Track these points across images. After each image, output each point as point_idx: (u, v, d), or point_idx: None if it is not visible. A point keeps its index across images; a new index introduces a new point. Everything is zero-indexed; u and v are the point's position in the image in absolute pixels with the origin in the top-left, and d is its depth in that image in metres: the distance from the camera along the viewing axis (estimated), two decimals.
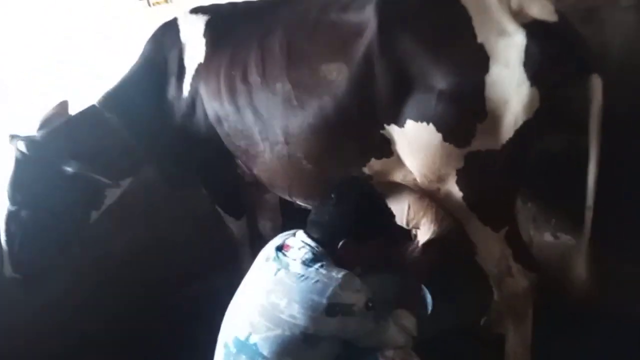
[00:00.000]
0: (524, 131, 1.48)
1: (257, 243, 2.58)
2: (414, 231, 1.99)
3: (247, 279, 1.65)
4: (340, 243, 1.57)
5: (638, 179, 1.86)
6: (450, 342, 2.20)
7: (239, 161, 2.08)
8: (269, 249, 1.67)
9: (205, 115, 2.02)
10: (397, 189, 1.81)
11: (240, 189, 2.28)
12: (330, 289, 1.46)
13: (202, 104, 2.02)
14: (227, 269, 2.57)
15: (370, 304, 1.50)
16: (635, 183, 1.87)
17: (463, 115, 1.50)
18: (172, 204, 2.68)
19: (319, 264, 1.53)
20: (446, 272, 2.05)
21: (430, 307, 2.01)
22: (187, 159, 2.20)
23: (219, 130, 2.00)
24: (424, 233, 1.89)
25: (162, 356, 2.29)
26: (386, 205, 1.67)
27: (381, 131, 1.64)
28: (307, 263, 1.53)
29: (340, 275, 1.49)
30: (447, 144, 1.53)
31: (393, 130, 1.62)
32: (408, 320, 1.70)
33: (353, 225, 1.57)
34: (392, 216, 1.69)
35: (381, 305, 1.74)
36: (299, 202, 2.01)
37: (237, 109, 1.87)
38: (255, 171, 1.99)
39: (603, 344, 2.01)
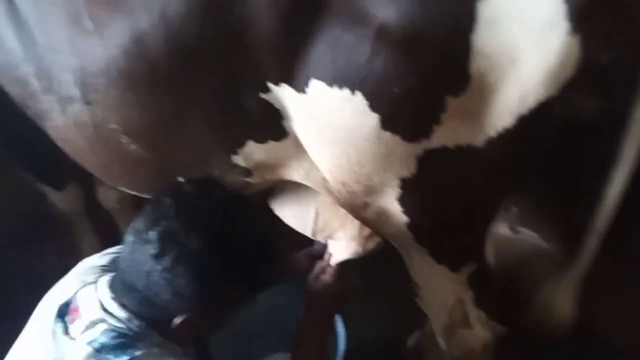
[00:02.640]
0: (533, 119, 0.76)
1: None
2: (322, 238, 1.28)
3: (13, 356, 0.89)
4: (177, 320, 0.84)
5: None
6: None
7: None
8: (49, 303, 0.90)
9: None
10: (296, 183, 1.06)
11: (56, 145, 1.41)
12: None
13: None
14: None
15: None
16: None
17: (423, 81, 0.74)
18: None
19: (127, 356, 0.79)
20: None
21: (343, 347, 1.39)
22: None
23: None
24: (339, 249, 1.19)
25: None
26: (270, 228, 0.93)
27: (261, 94, 0.84)
28: (101, 354, 0.79)
29: None
30: (387, 133, 0.78)
31: (284, 94, 0.83)
32: None
33: (202, 295, 0.82)
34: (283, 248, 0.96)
35: None
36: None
37: None
38: (52, 138, 1.13)
39: None
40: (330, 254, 1.24)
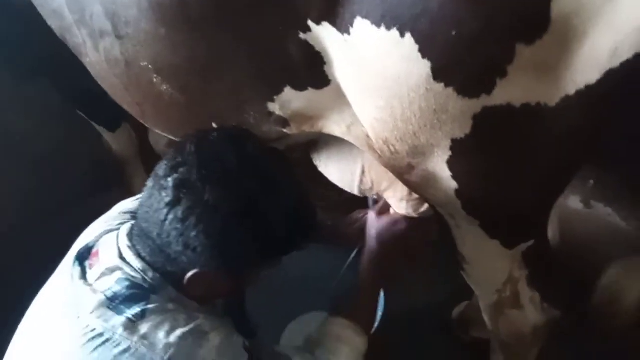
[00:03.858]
0: (625, 76, 0.62)
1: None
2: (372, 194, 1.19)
3: (37, 301, 0.89)
4: (188, 275, 0.80)
5: None
6: (407, 334, 1.57)
7: None
8: (77, 246, 0.89)
9: None
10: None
11: None
12: None
13: None
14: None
15: None
16: None
17: (488, 24, 0.61)
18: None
19: (139, 307, 0.76)
20: None
21: (381, 312, 1.32)
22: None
23: None
24: (393, 204, 1.10)
25: None
26: (302, 199, 0.85)
27: (301, 35, 0.74)
28: (114, 304, 0.76)
29: (173, 338, 0.74)
30: (439, 85, 0.66)
31: (326, 34, 0.72)
32: (345, 353, 0.96)
33: (214, 251, 0.77)
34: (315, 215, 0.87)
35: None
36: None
37: None
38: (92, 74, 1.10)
39: None
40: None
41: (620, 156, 1.35)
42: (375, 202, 1.24)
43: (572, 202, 1.50)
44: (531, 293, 0.99)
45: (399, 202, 1.03)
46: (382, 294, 1.35)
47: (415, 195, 1.01)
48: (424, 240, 1.12)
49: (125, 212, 0.95)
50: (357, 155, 1.03)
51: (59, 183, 1.82)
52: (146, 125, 1.09)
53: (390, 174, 1.01)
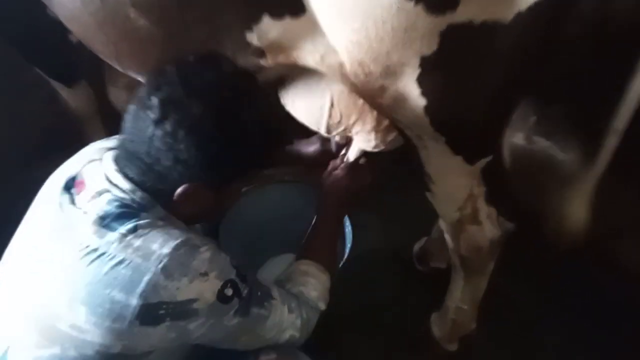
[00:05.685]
0: None
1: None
2: (337, 138, 1.26)
3: (20, 232, 0.91)
4: (180, 190, 0.84)
5: None
6: (371, 271, 1.68)
7: None
8: (56, 179, 0.91)
9: None
10: (309, 73, 1.02)
11: (65, 37, 1.37)
12: (146, 278, 0.77)
13: None
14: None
15: (229, 291, 0.84)
16: None
17: None
18: None
19: (131, 223, 0.81)
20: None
21: (349, 244, 1.41)
22: None
23: None
24: (358, 143, 1.17)
25: None
26: (273, 113, 0.93)
27: None
28: (106, 222, 0.80)
29: (166, 249, 0.79)
30: (409, 4, 0.73)
31: None
32: (313, 284, 1.05)
33: (204, 162, 0.82)
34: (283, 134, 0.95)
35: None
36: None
37: None
38: (60, 17, 1.09)
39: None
40: (346, 152, 1.23)
41: (558, 92, 1.49)
42: (339, 145, 1.31)
43: (517, 139, 1.64)
44: (488, 209, 1.10)
45: (368, 133, 1.11)
46: (350, 229, 1.44)
47: (384, 125, 1.09)
48: (366, 185, 1.23)
49: (102, 148, 0.97)
50: (324, 90, 1.08)
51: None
52: (119, 68, 1.10)
53: (359, 106, 1.08)
